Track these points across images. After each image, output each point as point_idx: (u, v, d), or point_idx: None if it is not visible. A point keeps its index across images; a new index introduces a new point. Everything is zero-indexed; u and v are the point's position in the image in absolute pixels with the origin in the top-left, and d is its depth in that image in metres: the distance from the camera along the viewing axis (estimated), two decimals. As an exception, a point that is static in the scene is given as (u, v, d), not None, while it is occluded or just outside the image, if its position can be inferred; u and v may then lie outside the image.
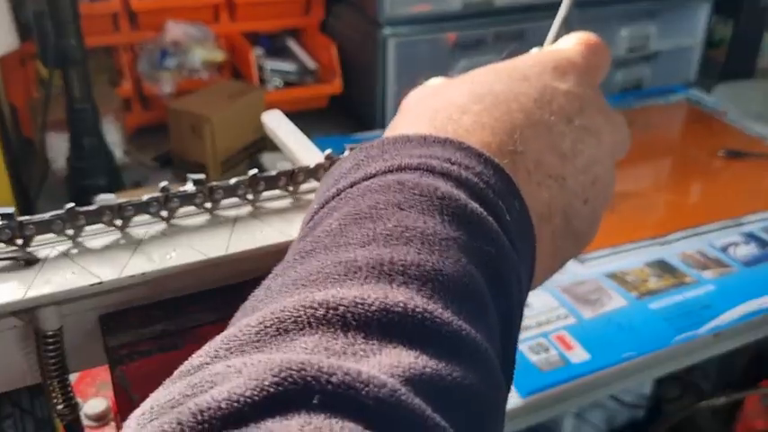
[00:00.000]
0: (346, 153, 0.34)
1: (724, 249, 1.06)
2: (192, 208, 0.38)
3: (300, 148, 0.47)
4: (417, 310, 0.22)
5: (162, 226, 0.38)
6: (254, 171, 0.39)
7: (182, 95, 1.28)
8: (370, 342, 0.21)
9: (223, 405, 0.18)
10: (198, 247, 0.36)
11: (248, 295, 0.26)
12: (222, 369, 0.19)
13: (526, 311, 0.90)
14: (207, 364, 0.21)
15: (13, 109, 1.23)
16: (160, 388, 0.21)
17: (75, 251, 0.35)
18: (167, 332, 0.35)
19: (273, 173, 0.40)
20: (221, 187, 0.38)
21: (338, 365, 0.19)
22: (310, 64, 1.45)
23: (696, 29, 1.61)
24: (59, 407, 0.36)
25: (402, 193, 0.26)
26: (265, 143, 1.25)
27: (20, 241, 0.35)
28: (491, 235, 0.26)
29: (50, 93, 1.09)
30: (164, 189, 0.37)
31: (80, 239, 0.36)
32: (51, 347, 0.34)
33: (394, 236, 0.24)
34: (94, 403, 0.45)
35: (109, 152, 1.14)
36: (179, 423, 0.17)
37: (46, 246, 0.35)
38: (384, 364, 0.20)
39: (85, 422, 0.45)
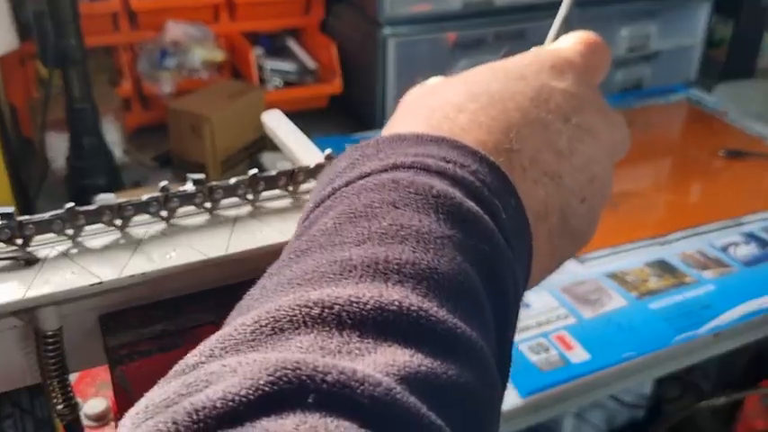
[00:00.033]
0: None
1: (724, 249, 1.06)
2: (191, 208, 0.39)
3: (300, 148, 0.47)
4: (412, 308, 0.22)
5: (162, 226, 0.38)
6: (254, 171, 0.39)
7: (181, 95, 1.28)
8: (366, 341, 0.21)
9: (218, 404, 0.18)
10: (198, 247, 0.36)
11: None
12: (217, 368, 0.19)
13: (526, 311, 0.91)
14: (202, 363, 0.21)
15: (12, 109, 1.23)
16: (155, 387, 0.21)
17: (74, 251, 0.35)
18: (167, 332, 0.35)
19: (273, 173, 0.40)
20: (221, 187, 0.38)
21: (333, 364, 0.19)
22: (310, 64, 1.45)
23: (696, 28, 1.61)
24: (59, 407, 0.36)
25: (397, 192, 0.26)
26: (265, 143, 1.25)
27: (19, 241, 0.35)
28: (486, 233, 0.26)
29: (50, 92, 1.09)
30: (163, 189, 0.37)
31: (80, 239, 0.36)
32: (51, 347, 0.34)
33: (389, 234, 0.24)
34: (94, 403, 0.45)
35: (108, 152, 1.14)
36: (174, 422, 0.17)
37: (46, 246, 0.35)
38: (379, 363, 0.20)
39: (85, 422, 0.45)
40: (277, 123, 0.50)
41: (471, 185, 0.27)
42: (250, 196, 0.39)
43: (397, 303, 0.22)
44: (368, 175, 0.28)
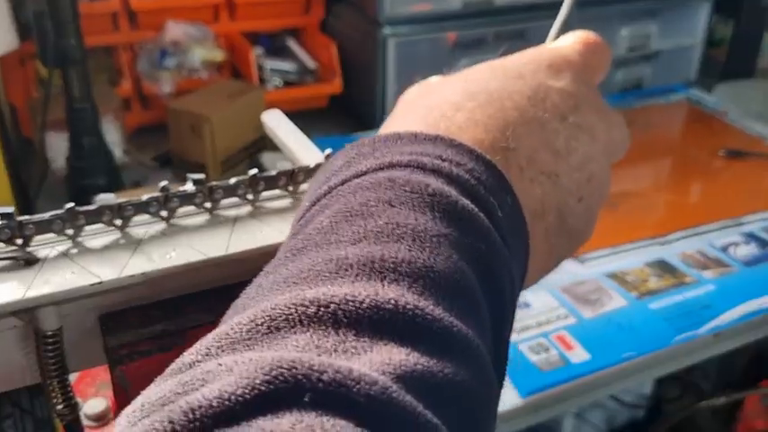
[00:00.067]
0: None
1: (724, 249, 1.06)
2: (191, 208, 0.39)
3: (300, 148, 0.47)
4: (408, 306, 0.22)
5: (162, 226, 0.38)
6: (254, 171, 0.39)
7: (181, 95, 1.28)
8: (362, 339, 0.21)
9: (214, 403, 0.18)
10: (198, 247, 0.36)
11: None
12: (213, 367, 0.19)
13: (526, 311, 0.91)
14: (198, 362, 0.21)
15: (12, 109, 1.23)
16: (151, 385, 0.21)
17: (74, 251, 0.35)
18: (167, 332, 0.35)
19: (273, 173, 0.40)
20: (221, 187, 0.39)
21: (329, 363, 0.19)
22: (310, 63, 1.45)
23: (696, 28, 1.61)
24: (59, 407, 0.36)
25: (393, 190, 0.26)
26: (265, 143, 1.25)
27: (19, 241, 0.35)
28: (482, 231, 0.26)
29: (50, 92, 1.09)
30: (163, 189, 0.37)
31: (80, 239, 0.36)
32: (51, 347, 0.34)
33: (385, 233, 0.24)
34: (94, 403, 0.45)
35: (108, 152, 1.15)
36: (170, 421, 0.17)
37: (46, 245, 0.35)
38: (375, 362, 0.20)
39: (85, 422, 0.45)
40: (277, 123, 0.50)
41: (467, 184, 0.27)
42: (250, 196, 0.39)
43: (392, 302, 0.22)
44: (364, 173, 0.28)
